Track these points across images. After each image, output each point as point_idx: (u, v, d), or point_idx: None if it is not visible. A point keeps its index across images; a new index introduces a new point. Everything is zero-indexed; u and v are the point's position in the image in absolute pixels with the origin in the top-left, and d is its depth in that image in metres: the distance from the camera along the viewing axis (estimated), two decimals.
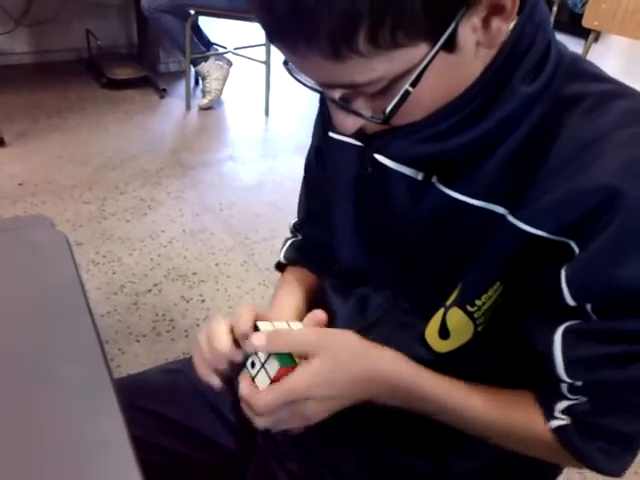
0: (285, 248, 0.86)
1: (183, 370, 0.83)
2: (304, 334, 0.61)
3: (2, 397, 0.55)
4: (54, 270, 0.70)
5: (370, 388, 0.59)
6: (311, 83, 0.51)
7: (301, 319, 0.68)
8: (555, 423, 0.58)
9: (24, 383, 0.56)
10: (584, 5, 2.94)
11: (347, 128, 0.54)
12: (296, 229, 0.86)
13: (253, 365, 0.61)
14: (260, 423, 0.58)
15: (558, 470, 0.74)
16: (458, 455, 0.69)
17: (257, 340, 0.57)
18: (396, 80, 0.47)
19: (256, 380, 0.60)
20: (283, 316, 0.72)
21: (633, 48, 3.06)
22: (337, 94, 0.51)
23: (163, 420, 0.77)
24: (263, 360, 0.60)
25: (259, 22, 0.46)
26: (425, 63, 0.46)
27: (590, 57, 2.73)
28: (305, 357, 0.57)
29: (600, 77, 0.56)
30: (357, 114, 0.52)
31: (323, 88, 0.51)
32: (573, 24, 3.02)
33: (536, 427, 0.59)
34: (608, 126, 0.51)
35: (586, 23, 2.64)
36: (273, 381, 0.57)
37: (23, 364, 0.58)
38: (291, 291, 0.81)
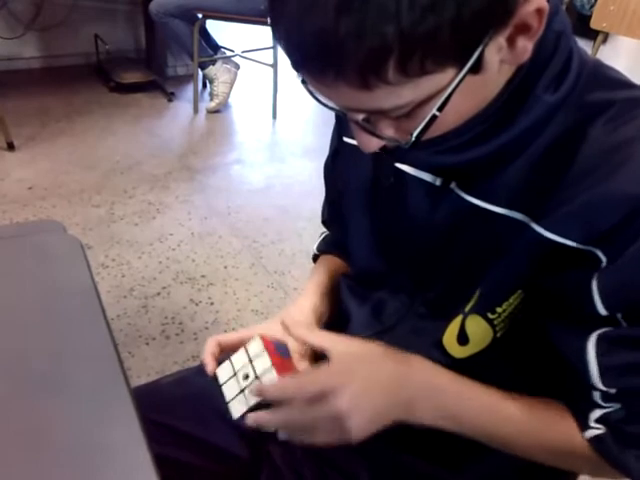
0: (318, 241, 0.90)
1: (194, 378, 0.84)
2: (327, 342, 0.61)
3: (17, 402, 0.55)
4: (68, 275, 0.71)
5: (404, 387, 0.59)
6: (333, 105, 0.50)
7: (326, 300, 0.77)
8: (591, 433, 0.57)
9: (39, 388, 0.57)
10: (592, 7, 2.93)
11: (369, 148, 0.53)
12: (325, 226, 0.89)
13: (246, 377, 0.62)
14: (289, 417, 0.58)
15: (573, 476, 0.74)
16: (471, 460, 0.69)
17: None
18: (422, 104, 0.47)
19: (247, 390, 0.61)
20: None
21: None
22: (360, 116, 0.50)
23: (175, 432, 0.77)
24: (259, 372, 0.61)
25: (285, 53, 0.45)
26: (452, 87, 0.45)
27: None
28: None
29: (625, 83, 0.55)
30: (380, 137, 0.51)
31: (346, 111, 0.50)
32: (581, 26, 3.01)
33: (573, 439, 0.58)
34: (633, 133, 0.51)
35: (594, 25, 2.62)
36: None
37: (38, 369, 0.58)
38: (314, 278, 0.82)
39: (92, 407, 0.55)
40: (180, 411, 0.79)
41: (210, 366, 0.68)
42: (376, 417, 0.58)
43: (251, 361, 0.63)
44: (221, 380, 0.65)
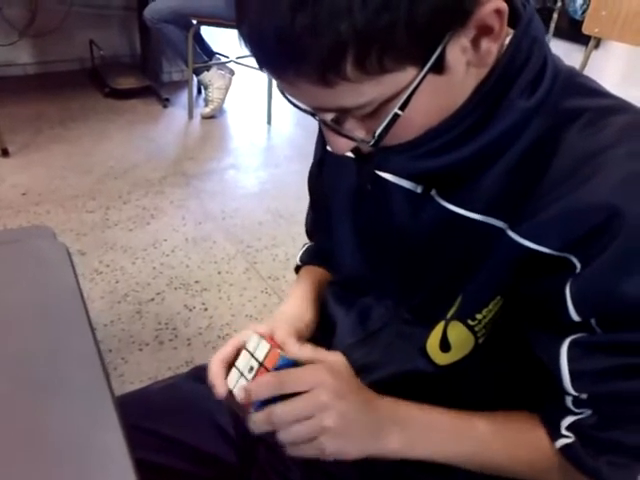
0: (302, 252, 0.90)
1: (183, 384, 0.84)
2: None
3: (1, 406, 0.55)
4: (54, 280, 0.70)
5: (375, 412, 0.59)
6: (304, 106, 0.51)
7: (312, 309, 0.77)
8: (561, 442, 0.58)
9: (23, 392, 0.56)
10: (584, 12, 2.95)
11: (340, 149, 0.54)
12: (308, 236, 0.89)
13: (251, 369, 0.61)
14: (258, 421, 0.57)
15: None
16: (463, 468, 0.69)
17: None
18: (386, 103, 0.48)
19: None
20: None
21: (633, 55, 3.06)
22: (329, 117, 0.51)
23: (164, 439, 0.77)
24: (261, 358, 0.60)
25: (249, 52, 0.47)
26: (413, 87, 0.46)
27: (590, 64, 2.72)
28: None
29: (598, 92, 0.56)
30: (348, 137, 0.52)
31: (315, 111, 0.51)
32: (573, 31, 3.02)
33: (544, 449, 0.59)
34: (607, 141, 0.51)
35: (586, 30, 2.64)
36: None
37: (22, 374, 0.58)
38: (296, 289, 0.82)
39: (74, 413, 0.55)
40: (169, 417, 0.79)
41: (221, 389, 0.62)
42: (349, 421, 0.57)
43: (252, 354, 0.62)
44: (231, 386, 0.62)
